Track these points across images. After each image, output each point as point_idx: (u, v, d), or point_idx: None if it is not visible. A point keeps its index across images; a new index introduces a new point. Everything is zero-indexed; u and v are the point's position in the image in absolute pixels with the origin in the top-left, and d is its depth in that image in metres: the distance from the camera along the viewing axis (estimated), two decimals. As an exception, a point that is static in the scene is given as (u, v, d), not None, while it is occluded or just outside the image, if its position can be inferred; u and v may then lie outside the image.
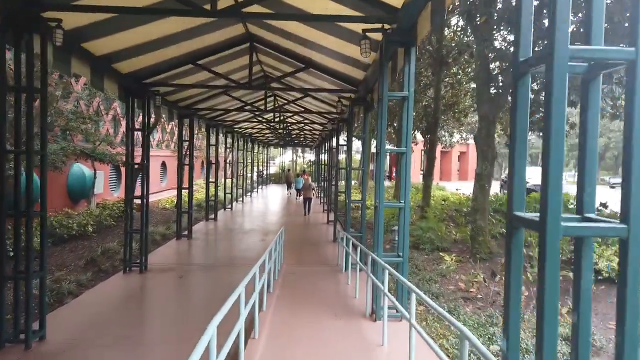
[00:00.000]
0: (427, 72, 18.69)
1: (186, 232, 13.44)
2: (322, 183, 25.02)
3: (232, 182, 21.92)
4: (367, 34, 6.02)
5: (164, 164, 31.31)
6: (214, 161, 17.69)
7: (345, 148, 12.91)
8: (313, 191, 20.15)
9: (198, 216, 17.75)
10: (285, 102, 15.90)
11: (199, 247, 12.48)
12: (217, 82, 11.20)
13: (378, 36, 6.24)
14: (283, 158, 57.41)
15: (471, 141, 45.28)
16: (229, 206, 21.23)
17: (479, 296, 7.36)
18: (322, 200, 23.86)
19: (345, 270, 9.41)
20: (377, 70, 6.77)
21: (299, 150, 59.70)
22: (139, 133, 9.88)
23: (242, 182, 25.70)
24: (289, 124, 22.07)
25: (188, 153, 13.75)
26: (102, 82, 7.88)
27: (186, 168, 13.81)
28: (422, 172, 49.93)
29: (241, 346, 4.37)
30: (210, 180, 17.54)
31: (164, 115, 12.58)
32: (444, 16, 4.89)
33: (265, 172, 42.43)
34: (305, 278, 8.98)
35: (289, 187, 31.33)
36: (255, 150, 33.79)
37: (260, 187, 36.57)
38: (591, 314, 2.08)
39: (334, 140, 17.08)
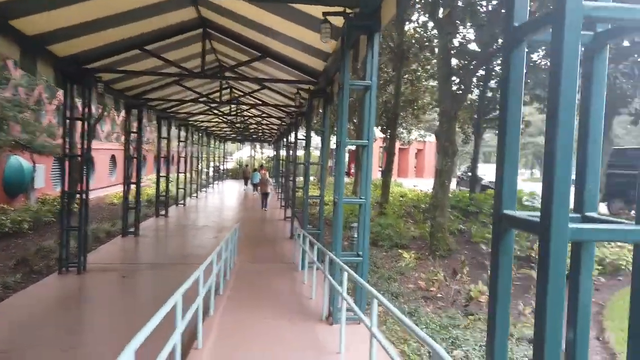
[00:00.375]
0: (388, 67, 18.54)
1: (133, 229, 12.63)
2: (281, 179, 24.53)
3: (185, 177, 21.03)
4: (327, 17, 5.57)
5: (113, 158, 29.86)
6: (164, 155, 16.81)
7: (304, 143, 12.52)
8: (270, 186, 19.95)
9: (148, 212, 16.86)
10: (242, 94, 15.29)
11: (147, 244, 11.73)
12: (169, 70, 10.39)
13: (339, 22, 5.80)
14: (241, 153, 56.34)
15: (428, 139, 45.88)
16: (182, 202, 20.36)
17: (440, 295, 7.14)
18: (280, 196, 23.36)
19: (301, 269, 9.00)
20: (338, 59, 6.31)
21: (257, 145, 58.84)
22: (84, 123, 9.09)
23: (197, 178, 24.78)
24: (246, 117, 21.49)
25: (136, 146, 12.92)
26: (34, 66, 7.11)
27: (135, 162, 13.01)
28: (380, 169, 50.34)
29: (177, 362, 3.85)
30: (162, 175, 16.68)
31: (110, 105, 11.74)
32: (410, -2, 4.55)
33: (222, 167, 41.38)
34: (259, 277, 8.51)
35: (246, 182, 30.88)
36: (212, 145, 32.80)
37: (216, 182, 35.57)
38: (589, 332, 1.74)
39: (293, 134, 16.69)
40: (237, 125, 24.84)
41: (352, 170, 50.18)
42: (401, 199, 18.85)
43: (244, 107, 17.65)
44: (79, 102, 9.25)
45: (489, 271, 7.85)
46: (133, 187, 13.00)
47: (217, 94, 13.82)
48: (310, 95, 9.96)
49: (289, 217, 16.55)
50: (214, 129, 27.52)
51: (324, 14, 5.56)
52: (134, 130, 12.96)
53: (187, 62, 10.84)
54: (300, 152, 16.25)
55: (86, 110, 8.89)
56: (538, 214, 1.69)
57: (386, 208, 14.64)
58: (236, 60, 10.95)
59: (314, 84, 9.54)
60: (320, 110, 10.21)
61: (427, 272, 8.13)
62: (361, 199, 5.46)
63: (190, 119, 20.07)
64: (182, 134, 21.34)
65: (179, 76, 10.54)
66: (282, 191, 22.01)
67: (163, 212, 16.53)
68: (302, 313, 6.31)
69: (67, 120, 8.72)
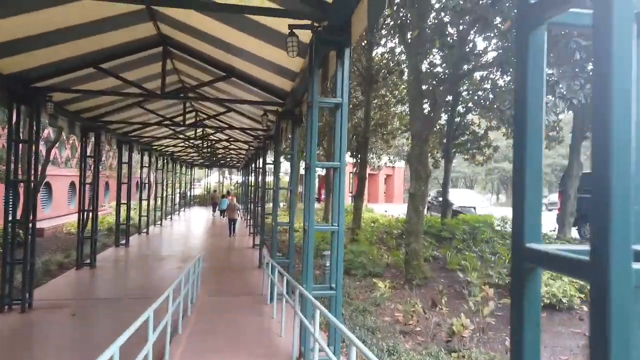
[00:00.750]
0: (357, 92, 18.44)
1: (89, 260, 11.73)
2: (249, 205, 23.86)
3: (148, 204, 20.10)
4: (294, 30, 5.20)
5: (72, 185, 28.48)
6: (125, 181, 15.97)
7: (272, 168, 11.97)
8: (238, 212, 19.89)
9: (108, 241, 15.88)
10: (207, 116, 14.82)
11: (102, 277, 10.86)
12: (128, 91, 9.61)
13: (307, 37, 5.47)
14: (209, 179, 55.21)
15: (398, 164, 46.18)
16: (145, 230, 19.39)
17: (418, 329, 6.65)
18: (248, 223, 22.65)
19: (270, 302, 8.41)
20: (306, 78, 5.88)
21: (226, 171, 57.96)
22: (41, 148, 8.40)
23: (162, 204, 23.82)
24: (213, 142, 20.84)
25: (93, 171, 12.14)
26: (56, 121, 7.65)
27: (91, 188, 12.20)
28: (351, 194, 50.19)
29: None
30: (123, 202, 15.81)
31: (64, 128, 11.01)
32: (383, 9, 4.21)
33: (189, 193, 40.27)
34: (224, 312, 7.85)
35: (214, 208, 30.10)
36: (178, 171, 31.86)
37: (183, 209, 34.47)
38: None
39: (261, 159, 16.17)
40: (204, 150, 24.22)
41: (322, 196, 49.98)
42: (373, 224, 18.49)
43: (210, 130, 17.04)
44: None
45: (469, 302, 7.54)
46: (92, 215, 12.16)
47: (181, 117, 13.26)
48: (278, 118, 9.56)
49: (257, 244, 15.91)
50: (179, 154, 26.72)
51: (290, 26, 5.21)
52: (90, 154, 12.18)
53: (148, 83, 10.19)
54: (270, 178, 15.53)
55: (33, 132, 8.18)
56: (579, 247, 1.25)
57: (358, 234, 14.21)
58: (199, 81, 10.41)
59: (281, 105, 9.09)
60: (289, 135, 9.81)
61: (404, 303, 7.67)
62: (333, 225, 4.99)
63: (154, 143, 19.33)
64: (146, 159, 20.48)
65: (138, 96, 9.75)
66: (250, 217, 21.33)
67: (123, 242, 15.59)
68: (271, 355, 5.71)
69: (13, 143, 8.01)
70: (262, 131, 12.04)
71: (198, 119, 15.27)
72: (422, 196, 9.26)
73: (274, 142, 11.31)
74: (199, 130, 16.89)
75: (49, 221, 20.96)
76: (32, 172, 8.28)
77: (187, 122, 13.60)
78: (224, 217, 24.87)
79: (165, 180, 28.09)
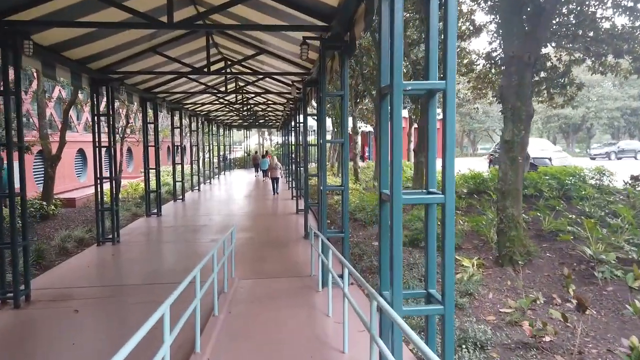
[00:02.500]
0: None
1: (110, 236, 10.22)
2: (291, 166, 22.03)
3: (182, 168, 18.55)
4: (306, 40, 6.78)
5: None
6: (152, 144, 14.31)
7: (316, 117, 10.21)
8: (280, 170, 19.99)
9: (138, 211, 14.46)
10: (245, 83, 15.11)
11: (124, 256, 9.30)
12: (172, 67, 10.80)
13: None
14: (249, 142, 53.83)
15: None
16: (180, 197, 17.94)
17: (548, 339, 4.50)
18: (290, 185, 20.88)
19: (322, 287, 6.51)
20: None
21: (266, 132, 56.41)
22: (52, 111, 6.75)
23: (198, 168, 22.31)
24: (252, 105, 20.28)
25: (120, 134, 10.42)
26: (80, 80, 8.71)
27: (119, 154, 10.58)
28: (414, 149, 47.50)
29: None
30: (152, 167, 14.24)
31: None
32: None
33: (229, 156, 38.95)
34: (263, 305, 6.01)
35: (256, 169, 30.05)
36: (215, 133, 30.27)
37: (223, 172, 33.16)
38: None
39: (301, 115, 14.22)
40: (242, 110, 23.07)
41: (366, 154, 47.46)
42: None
43: (249, 95, 17.33)
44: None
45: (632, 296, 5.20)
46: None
47: (222, 84, 13.87)
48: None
49: (301, 210, 14.09)
50: (215, 114, 25.09)
51: (304, 37, 7.03)
52: (101, 112, 10.42)
53: (190, 58, 11.08)
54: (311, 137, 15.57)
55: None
56: None
57: None
58: (239, 53, 11.18)
59: (307, 74, 10.12)
60: (335, 70, 7.79)
61: (509, 293, 5.53)
62: (434, 194, 2.87)
63: (185, 101, 17.54)
64: (177, 120, 18.81)
65: (183, 74, 10.97)
66: (292, 179, 19.51)
67: (155, 211, 14.11)
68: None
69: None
70: (302, 73, 10.09)
71: (238, 85, 15.24)
72: (522, 145, 6.89)
73: (317, 84, 9.24)
74: (237, 94, 16.11)
75: (83, 190, 19.94)
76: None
77: (228, 89, 14.30)
78: (265, 177, 25.25)
79: (201, 143, 26.59)
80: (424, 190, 3.11)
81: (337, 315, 5.37)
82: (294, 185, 18.02)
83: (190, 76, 12.74)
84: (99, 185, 10.13)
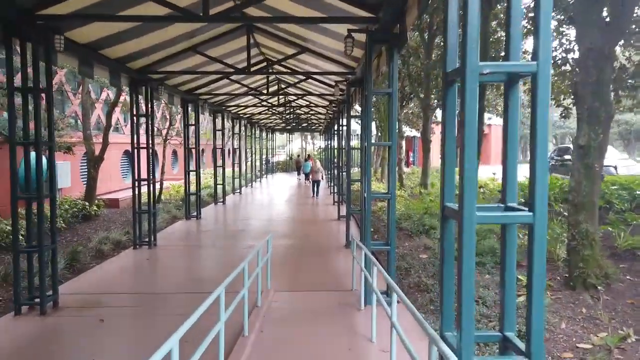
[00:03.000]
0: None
1: (147, 239, 9.97)
2: (333, 170, 21.50)
3: (224, 171, 18.34)
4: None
5: (155, 152, 27.84)
6: (194, 146, 14.10)
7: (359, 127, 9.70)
8: (321, 173, 20.19)
9: (178, 214, 14.28)
10: (287, 85, 14.85)
11: (159, 261, 9.00)
12: (214, 65, 10.52)
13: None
14: (291, 146, 53.77)
15: (494, 120, 40.97)
16: (221, 200, 17.73)
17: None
18: (332, 190, 20.32)
19: (365, 305, 5.88)
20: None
21: (309, 136, 56.24)
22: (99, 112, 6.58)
23: (240, 171, 22.13)
24: (294, 108, 20.31)
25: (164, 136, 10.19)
26: (119, 79, 8.62)
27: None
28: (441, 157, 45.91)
29: None
30: (191, 169, 14.03)
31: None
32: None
33: (272, 159, 38.89)
34: (299, 324, 5.43)
35: (299, 172, 30.54)
36: (257, 136, 30.17)
37: (265, 175, 33.04)
38: None
39: (345, 119, 13.66)
40: (287, 116, 23.85)
41: (410, 159, 46.21)
42: (481, 191, 15.15)
43: (291, 97, 17.29)
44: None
45: None
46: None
47: (264, 86, 13.62)
48: (349, 85, 9.57)
49: (343, 216, 13.48)
50: (258, 117, 25.02)
51: (349, 30, 6.22)
52: (139, 113, 10.18)
53: (231, 58, 10.73)
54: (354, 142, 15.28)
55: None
56: None
57: None
58: (280, 53, 10.82)
59: (351, 74, 9.51)
60: (382, 69, 7.17)
61: (585, 322, 4.69)
62: (518, 209, 2.19)
63: (228, 104, 17.33)
64: (222, 123, 18.66)
65: (225, 74, 10.60)
66: (334, 184, 18.94)
67: (194, 214, 13.88)
68: None
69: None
70: (345, 73, 9.55)
71: (280, 87, 15.21)
72: (600, 150, 5.97)
73: (362, 83, 8.65)
74: (281, 97, 16.20)
75: (128, 191, 20.13)
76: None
77: (270, 91, 14.38)
78: (307, 180, 25.65)
79: (244, 146, 26.50)
80: (501, 205, 2.42)
81: (382, 341, 4.72)
82: (335, 191, 17.44)
83: (232, 77, 12.53)
84: (136, 188, 9.90)
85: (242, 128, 23.66)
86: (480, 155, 17.05)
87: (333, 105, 15.56)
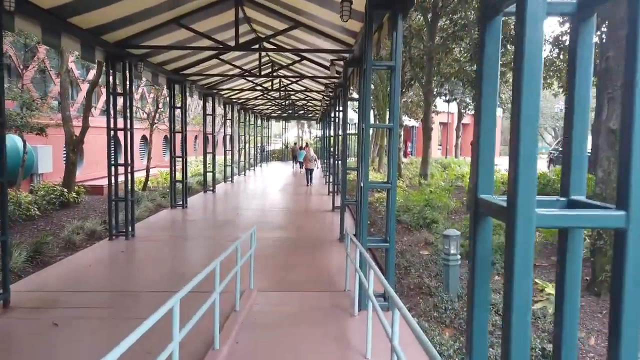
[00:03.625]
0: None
1: (124, 229, 9.19)
2: (329, 159, 20.75)
3: (214, 158, 17.52)
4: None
5: (144, 138, 26.99)
6: (180, 130, 13.24)
7: (357, 105, 8.95)
8: (315, 162, 20.38)
9: (163, 202, 13.49)
10: (281, 66, 14.27)
11: (135, 254, 8.22)
12: (201, 43, 9.61)
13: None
14: (288, 134, 52.88)
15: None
16: (211, 188, 16.93)
17: None
18: (327, 179, 19.56)
19: (359, 310, 5.14)
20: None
21: (305, 125, 55.34)
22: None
23: (232, 159, 21.28)
24: (289, 93, 19.82)
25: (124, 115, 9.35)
26: (59, 40, 6.97)
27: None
28: (440, 148, 45.24)
29: None
30: (178, 156, 13.22)
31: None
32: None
33: (267, 147, 38.03)
34: (282, 333, 4.67)
35: (294, 160, 29.68)
36: (251, 123, 29.28)
37: (260, 164, 32.22)
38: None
39: (341, 105, 12.93)
40: (281, 101, 23.32)
41: (409, 150, 45.40)
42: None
43: (286, 81, 16.95)
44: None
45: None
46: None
47: (257, 69, 12.86)
48: (346, 65, 8.70)
49: (337, 207, 12.72)
50: (252, 103, 24.22)
51: None
52: (116, 92, 9.33)
53: (219, 34, 9.84)
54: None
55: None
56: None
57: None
58: (270, 29, 10.11)
59: (349, 52, 8.64)
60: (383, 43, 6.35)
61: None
62: (599, 207, 1.41)
63: (219, 87, 16.46)
64: (212, 107, 17.78)
65: (213, 49, 9.71)
66: (329, 173, 18.17)
67: (180, 203, 13.09)
68: None
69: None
70: (343, 50, 8.76)
71: (273, 69, 14.73)
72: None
73: (360, 63, 7.84)
74: (273, 79, 15.63)
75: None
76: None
77: (263, 73, 13.67)
78: (302, 168, 25.65)
79: (237, 133, 25.64)
80: (562, 199, 1.64)
81: (378, 356, 3.98)
82: (330, 180, 16.68)
83: (223, 58, 11.74)
84: (113, 173, 9.09)
85: (236, 114, 22.84)
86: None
87: (329, 89, 15.08)
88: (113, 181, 9.09)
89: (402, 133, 44.45)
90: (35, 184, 15.19)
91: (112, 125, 9.00)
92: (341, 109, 11.40)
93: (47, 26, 6.61)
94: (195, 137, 35.03)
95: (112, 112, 9.07)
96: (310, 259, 7.71)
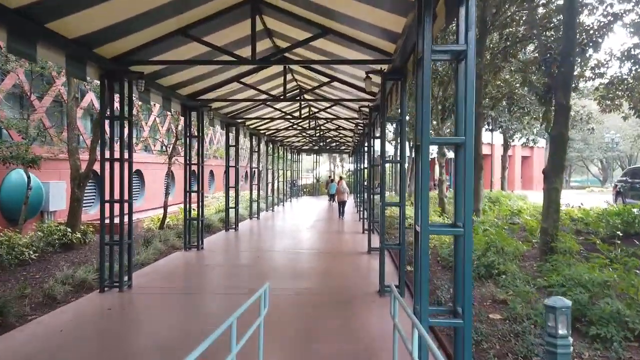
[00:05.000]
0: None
1: (125, 279, 7.64)
2: (362, 194, 18.98)
3: (236, 194, 16.05)
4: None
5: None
6: (195, 162, 11.82)
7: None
8: (347, 194, 20.02)
9: (177, 243, 11.96)
10: (318, 110, 15.59)
11: (122, 313, 6.59)
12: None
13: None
14: (319, 169, 51.55)
15: (538, 143, 37.70)
16: (233, 226, 15.39)
17: None
18: (361, 215, 17.75)
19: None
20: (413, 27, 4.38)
21: (337, 159, 54.02)
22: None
23: (258, 195, 19.76)
24: (319, 119, 18.76)
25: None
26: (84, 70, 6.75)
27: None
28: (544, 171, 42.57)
29: None
30: (194, 190, 11.77)
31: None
32: None
33: (298, 182, 36.57)
34: None
35: (329, 194, 28.06)
36: (283, 156, 27.94)
37: (290, 199, 30.68)
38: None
39: (377, 125, 11.52)
40: (310, 132, 22.34)
41: (447, 183, 42.93)
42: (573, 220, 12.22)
43: (314, 109, 16.70)
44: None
45: None
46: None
47: (297, 110, 14.57)
48: (384, 78, 7.13)
49: (374, 248, 10.92)
50: (287, 136, 23.29)
51: (367, 73, 7.56)
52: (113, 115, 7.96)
53: (266, 85, 11.62)
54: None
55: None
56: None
57: (554, 241, 8.05)
58: (312, 80, 11.51)
59: (387, 62, 7.07)
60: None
61: None
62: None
63: (243, 116, 15.16)
64: (236, 139, 16.46)
65: (227, 63, 7.94)
66: (363, 208, 16.38)
67: (195, 243, 11.55)
68: None
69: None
70: (368, 100, 7.84)
71: (310, 111, 15.79)
72: None
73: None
74: (300, 102, 14.65)
75: (138, 215, 18.07)
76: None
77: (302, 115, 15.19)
78: (333, 201, 25.75)
79: (265, 166, 24.36)
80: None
81: None
82: (365, 217, 14.87)
83: (243, 81, 10.86)
84: (106, 211, 7.64)
85: (263, 146, 21.56)
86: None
87: (364, 114, 14.10)
88: (103, 219, 7.59)
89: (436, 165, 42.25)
90: (47, 222, 13.99)
91: (108, 155, 7.62)
92: (378, 135, 9.75)
93: (14, 30, 5.32)
94: (211, 172, 33.50)
95: (109, 139, 7.73)
96: (342, 323, 5.89)
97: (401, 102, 6.95)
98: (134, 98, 8.37)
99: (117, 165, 7.59)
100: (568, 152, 52.73)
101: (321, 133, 22.81)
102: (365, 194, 15.45)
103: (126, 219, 7.96)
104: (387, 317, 5.63)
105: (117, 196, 7.64)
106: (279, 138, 23.88)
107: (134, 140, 19.21)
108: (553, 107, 8.47)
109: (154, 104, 18.45)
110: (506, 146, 29.39)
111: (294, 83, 13.24)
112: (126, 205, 7.87)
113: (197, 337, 5.28)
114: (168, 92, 9.50)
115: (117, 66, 7.27)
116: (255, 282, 8.18)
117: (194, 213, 11.79)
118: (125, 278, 7.74)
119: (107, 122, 7.64)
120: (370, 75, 7.62)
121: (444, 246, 9.67)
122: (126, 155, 7.77)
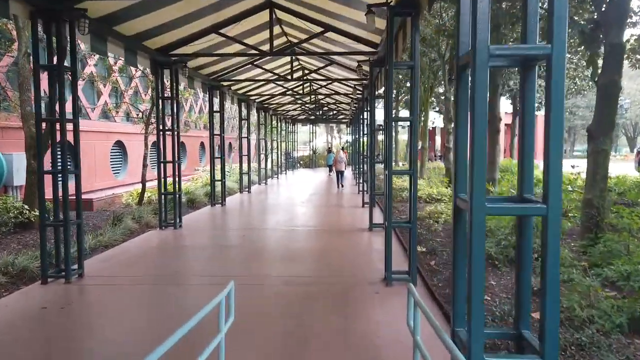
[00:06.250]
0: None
1: (74, 266, 6.25)
2: (362, 165, 17.45)
3: (222, 166, 14.55)
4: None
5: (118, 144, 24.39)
6: (166, 129, 10.26)
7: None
8: (344, 163, 19.46)
9: (153, 221, 10.55)
10: (311, 71, 14.61)
11: (71, 312, 5.20)
12: (233, 48, 10.10)
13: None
14: (316, 141, 49.89)
15: (538, 112, 36.07)
16: (220, 201, 13.97)
17: None
18: (360, 188, 16.35)
19: None
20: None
21: (335, 130, 52.44)
22: None
23: (248, 167, 18.22)
24: (318, 98, 19.11)
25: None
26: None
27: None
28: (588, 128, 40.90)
29: None
30: (168, 161, 10.27)
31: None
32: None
33: (293, 154, 35.00)
34: None
35: (330, 169, 27.10)
36: (276, 127, 26.29)
37: (284, 171, 29.20)
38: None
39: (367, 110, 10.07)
40: (309, 105, 22.31)
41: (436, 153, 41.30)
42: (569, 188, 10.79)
43: (315, 85, 17.01)
44: None
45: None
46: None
47: (288, 72, 13.17)
48: (391, 13, 6.25)
49: (376, 224, 9.59)
50: (281, 105, 21.76)
51: (368, 5, 6.14)
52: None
53: (252, 38, 10.20)
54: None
55: None
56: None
57: (602, 217, 6.54)
58: (303, 34, 10.23)
59: (373, 54, 8.82)
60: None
61: None
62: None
63: (232, 85, 13.54)
64: (220, 104, 14.84)
65: (251, 56, 10.04)
66: (363, 180, 14.95)
67: (172, 221, 10.13)
68: None
69: None
70: (369, 52, 8.93)
71: (303, 73, 14.87)
72: None
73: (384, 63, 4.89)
74: (304, 82, 15.36)
75: (118, 189, 16.60)
76: None
77: (294, 76, 13.89)
78: (331, 171, 25.40)
79: (256, 137, 22.75)
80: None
81: None
82: (365, 189, 13.47)
83: (256, 64, 10.35)
84: (42, 186, 6.19)
85: (240, 110, 19.81)
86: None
87: (358, 92, 12.92)
88: (41, 194, 6.16)
89: (436, 135, 40.54)
90: (10, 198, 12.51)
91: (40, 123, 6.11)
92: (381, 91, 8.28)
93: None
94: (201, 144, 31.39)
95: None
96: (339, 323, 4.53)
97: (412, 43, 5.52)
98: (80, 44, 6.87)
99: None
100: (572, 120, 50.63)
101: (316, 98, 21.05)
102: (366, 165, 14.02)
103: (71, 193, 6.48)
104: (398, 316, 4.39)
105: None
106: (272, 106, 22.25)
107: (111, 106, 17.56)
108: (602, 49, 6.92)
109: (131, 67, 16.75)
110: (515, 113, 27.79)
111: (284, 38, 11.58)
112: (73, 177, 6.41)
113: (154, 338, 3.90)
114: (130, 43, 7.89)
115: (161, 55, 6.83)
116: (235, 268, 6.82)
117: (170, 187, 10.33)
118: (75, 266, 6.35)
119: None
120: (374, 10, 6.06)
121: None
122: (69, 117, 6.26)
